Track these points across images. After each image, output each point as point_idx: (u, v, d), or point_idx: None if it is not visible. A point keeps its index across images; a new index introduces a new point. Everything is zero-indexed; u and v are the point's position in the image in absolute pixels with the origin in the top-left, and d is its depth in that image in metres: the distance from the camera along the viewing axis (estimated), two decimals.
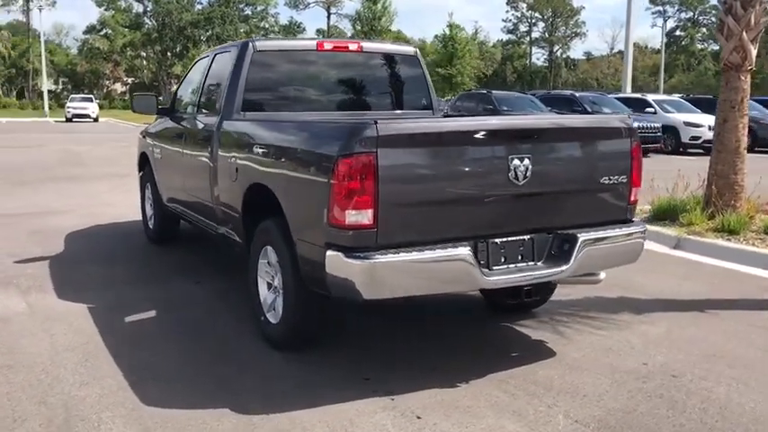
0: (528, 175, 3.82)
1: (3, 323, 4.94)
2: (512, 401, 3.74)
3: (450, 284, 3.77)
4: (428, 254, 3.59)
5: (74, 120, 44.51)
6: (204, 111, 5.72)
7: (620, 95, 22.76)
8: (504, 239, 3.90)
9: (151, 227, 7.48)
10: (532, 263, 3.99)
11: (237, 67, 5.21)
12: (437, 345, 4.60)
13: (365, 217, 3.50)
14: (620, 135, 4.21)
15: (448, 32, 31.00)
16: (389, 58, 5.88)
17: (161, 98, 6.73)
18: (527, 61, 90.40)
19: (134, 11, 74.91)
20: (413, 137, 3.61)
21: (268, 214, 4.31)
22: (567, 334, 4.79)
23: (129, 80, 79.50)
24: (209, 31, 71.56)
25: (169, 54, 71.15)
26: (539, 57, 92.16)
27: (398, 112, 5.80)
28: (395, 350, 4.54)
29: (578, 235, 3.99)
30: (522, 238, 3.96)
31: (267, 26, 77.29)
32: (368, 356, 4.40)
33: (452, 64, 30.18)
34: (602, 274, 4.57)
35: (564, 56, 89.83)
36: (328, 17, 78.03)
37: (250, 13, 76.71)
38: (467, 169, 3.76)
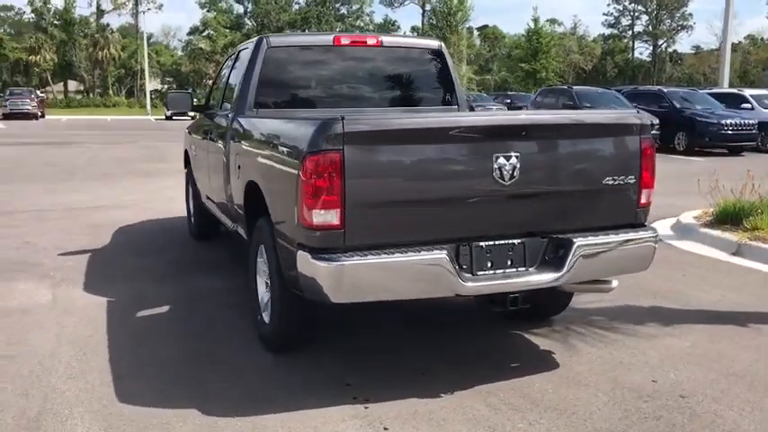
0: (516, 174, 3.57)
1: (21, 314, 5.09)
2: (491, 416, 3.51)
3: (424, 290, 3.56)
4: (399, 257, 3.41)
5: (173, 117, 46.25)
6: (225, 108, 5.72)
7: (715, 91, 21.50)
8: (491, 243, 3.67)
9: (193, 222, 7.59)
10: (523, 269, 3.73)
11: (252, 64, 5.17)
12: (435, 351, 4.40)
13: (333, 217, 3.36)
14: (628, 132, 3.87)
15: (533, 26, 30.19)
16: (411, 53, 5.68)
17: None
18: (629, 56, 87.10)
19: (235, 12, 77.28)
20: (383, 134, 3.43)
21: (264, 213, 4.25)
22: (578, 345, 4.48)
23: None
24: (306, 31, 72.82)
25: None
26: (642, 51, 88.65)
27: (418, 108, 5.60)
28: (388, 355, 4.36)
29: (574, 240, 3.70)
30: (511, 242, 3.71)
31: (362, 25, 78.00)
32: (358, 360, 4.26)
33: (537, 59, 29.34)
34: (615, 282, 4.24)
35: (669, 50, 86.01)
36: (423, 14, 77.84)
37: (345, 12, 77.65)
38: (445, 168, 3.55)
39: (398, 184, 3.46)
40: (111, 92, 74.46)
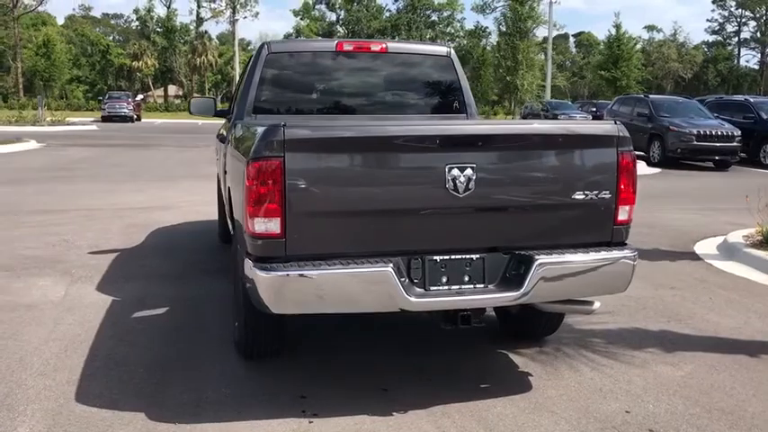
0: (471, 187, 3.40)
1: (26, 310, 5.27)
2: None
3: (367, 304, 3.42)
4: (339, 269, 3.30)
5: None
6: (235, 112, 5.75)
7: None
8: (446, 257, 3.50)
9: (219, 225, 7.70)
10: (481, 285, 3.55)
11: (252, 69, 5.18)
12: (407, 367, 4.25)
13: (274, 225, 3.29)
14: (602, 144, 3.62)
15: (614, 33, 29.13)
16: (418, 59, 5.55)
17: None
18: (734, 64, 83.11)
19: (327, 20, 78.57)
20: (325, 141, 3.33)
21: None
22: (561, 368, 4.24)
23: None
24: (396, 38, 73.27)
25: None
26: (748, 59, 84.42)
27: (424, 116, 5.45)
28: (358, 368, 4.24)
29: (536, 257, 3.48)
30: (469, 257, 3.53)
31: (453, 31, 77.80)
32: (325, 372, 4.16)
33: (617, 66, 28.29)
34: (596, 303, 3.99)
35: None
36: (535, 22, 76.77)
37: (436, 18, 77.60)
38: (393, 178, 3.42)
39: (343, 194, 3.36)
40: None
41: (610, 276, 3.67)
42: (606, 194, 3.62)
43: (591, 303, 3.96)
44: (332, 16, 78.45)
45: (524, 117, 34.87)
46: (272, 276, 3.27)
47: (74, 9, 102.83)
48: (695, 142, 16.86)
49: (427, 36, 74.51)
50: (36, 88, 46.53)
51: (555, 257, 3.52)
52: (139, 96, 59.67)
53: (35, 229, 8.35)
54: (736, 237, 7.59)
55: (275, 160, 3.24)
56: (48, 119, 30.82)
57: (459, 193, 3.39)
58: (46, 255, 7.04)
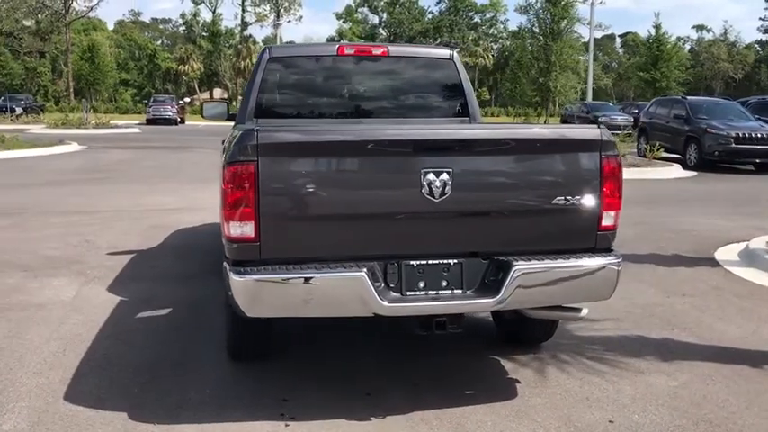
0: (447, 191, 3.37)
1: (36, 309, 5.40)
2: None
3: (340, 308, 3.42)
4: (311, 274, 3.31)
5: None
6: (237, 117, 5.81)
7: None
8: (424, 262, 3.48)
9: None
10: (459, 291, 3.51)
11: (254, 73, 5.23)
12: (395, 370, 4.24)
13: (249, 229, 3.32)
14: (584, 149, 3.56)
15: (654, 34, 28.50)
16: (420, 63, 5.52)
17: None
18: None
19: (369, 22, 78.91)
20: (299, 146, 3.34)
21: None
22: (552, 375, 4.17)
23: None
24: (438, 40, 73.17)
25: None
26: None
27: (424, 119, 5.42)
28: (345, 372, 4.24)
29: (514, 263, 3.44)
30: (447, 262, 3.51)
31: (496, 33, 77.37)
32: (311, 375, 4.17)
33: (657, 67, 27.68)
34: (585, 310, 3.92)
35: None
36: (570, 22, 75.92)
37: (479, 20, 77.25)
38: (368, 183, 3.42)
39: (317, 198, 3.36)
40: None
41: (592, 283, 3.59)
42: (588, 200, 3.55)
43: (579, 310, 3.90)
44: (374, 19, 78.91)
45: (564, 119, 34.56)
46: (244, 280, 3.30)
47: (123, 14, 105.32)
48: (733, 145, 16.41)
49: (470, 38, 74.28)
50: (93, 93, 47.79)
51: (534, 263, 3.47)
52: (186, 99, 60.70)
53: (61, 229, 8.57)
54: (759, 243, 7.37)
55: (249, 164, 3.27)
56: (92, 122, 31.57)
57: (434, 197, 3.37)
58: (66, 255, 7.21)
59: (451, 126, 3.90)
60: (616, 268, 3.61)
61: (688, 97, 19.54)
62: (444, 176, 3.36)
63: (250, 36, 79.31)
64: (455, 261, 3.51)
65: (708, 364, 4.36)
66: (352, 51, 5.35)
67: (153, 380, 4.08)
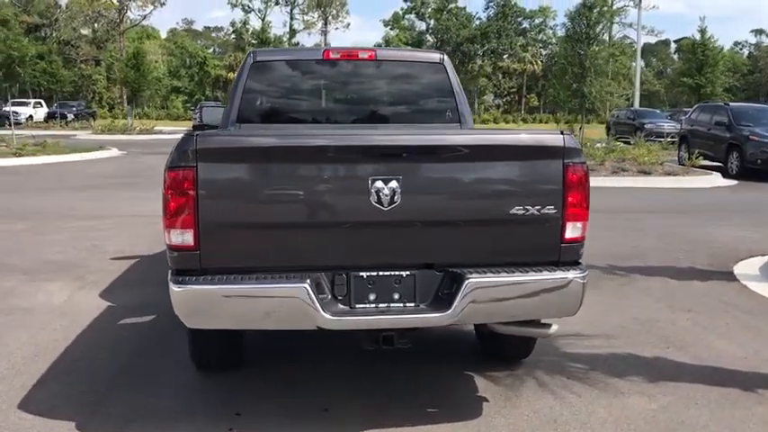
0: (396, 200, 3.21)
1: (23, 313, 5.42)
2: None
3: (281, 322, 3.27)
4: (250, 285, 3.18)
5: None
6: (221, 122, 5.72)
7: None
8: (374, 274, 3.32)
9: None
10: (412, 304, 3.34)
11: (238, 79, 5.13)
12: (360, 385, 4.08)
13: (188, 237, 3.21)
14: (545, 156, 3.35)
15: (698, 38, 27.59)
16: (409, 67, 5.35)
17: None
18: None
19: (417, 29, 78.79)
20: (239, 152, 3.22)
21: None
22: (525, 395, 3.95)
23: None
24: (485, 46, 72.65)
25: None
26: None
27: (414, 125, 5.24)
28: (308, 385, 4.09)
29: (467, 276, 3.24)
30: (399, 273, 3.34)
31: (545, 38, 76.40)
32: (273, 388, 4.04)
33: (702, 73, 26.81)
34: (554, 327, 3.70)
35: None
36: (610, 26, 74.64)
37: (527, 26, 76.42)
38: (312, 190, 3.27)
39: (260, 206, 3.24)
40: None
41: (555, 298, 3.37)
42: (551, 210, 3.34)
43: (548, 326, 3.68)
44: (421, 26, 78.73)
45: (608, 126, 33.80)
46: (182, 290, 3.19)
47: (177, 23, 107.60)
48: None
49: (518, 44, 73.48)
50: (139, 99, 48.87)
51: (489, 277, 3.27)
52: None
53: (72, 233, 8.65)
54: None
55: (188, 170, 3.16)
56: (137, 128, 32.19)
57: (383, 206, 3.21)
58: (69, 259, 7.26)
59: (401, 132, 3.72)
60: (581, 282, 3.38)
61: (731, 104, 18.85)
62: (393, 184, 3.20)
63: (298, 43, 79.97)
64: (407, 273, 3.34)
65: (695, 386, 4.08)
66: (337, 55, 5.21)
67: (112, 389, 4.01)
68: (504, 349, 4.33)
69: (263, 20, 76.83)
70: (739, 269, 6.97)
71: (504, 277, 3.29)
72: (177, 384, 4.09)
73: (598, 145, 18.71)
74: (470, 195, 3.36)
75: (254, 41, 77.81)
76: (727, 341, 4.89)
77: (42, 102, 50.68)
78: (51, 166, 18.37)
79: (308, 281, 3.18)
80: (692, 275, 6.75)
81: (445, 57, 5.31)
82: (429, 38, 77.61)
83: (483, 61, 73.80)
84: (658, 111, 36.46)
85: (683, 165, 17.60)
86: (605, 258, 7.39)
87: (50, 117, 43.38)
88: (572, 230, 3.39)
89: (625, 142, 20.36)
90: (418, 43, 77.69)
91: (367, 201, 3.21)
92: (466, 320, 3.35)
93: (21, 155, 19.35)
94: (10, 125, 23.20)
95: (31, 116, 44.45)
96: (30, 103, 47.63)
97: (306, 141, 3.33)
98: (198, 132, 3.19)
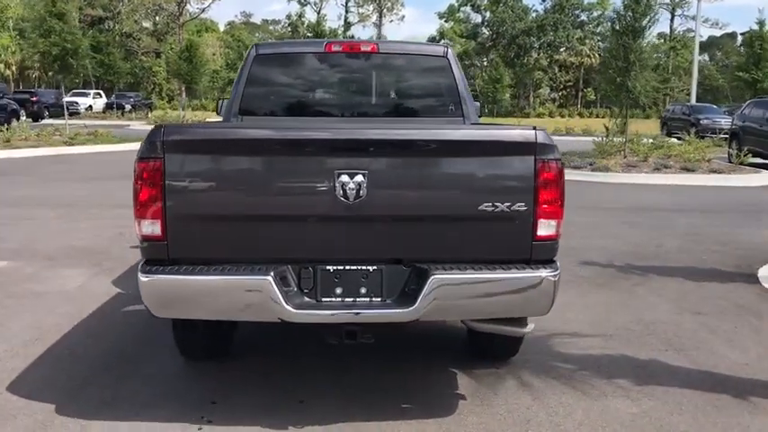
0: (362, 194, 3.19)
1: (34, 298, 5.59)
2: None
3: (245, 313, 3.29)
4: (214, 276, 3.21)
5: None
6: (223, 115, 5.76)
7: None
8: (341, 268, 3.31)
9: None
10: (378, 299, 3.32)
11: (241, 72, 5.18)
12: (341, 379, 4.08)
13: (156, 228, 3.26)
14: (515, 152, 3.27)
15: (756, 30, 26.43)
16: (412, 60, 5.30)
17: None
18: None
19: (472, 21, 78.14)
20: (206, 143, 3.24)
21: None
22: (504, 394, 3.89)
23: None
24: (542, 39, 71.54)
25: (498, 62, 72.35)
26: None
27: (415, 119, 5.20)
28: (287, 375, 4.11)
29: (431, 272, 3.21)
30: (366, 268, 3.32)
31: (603, 31, 74.75)
32: (253, 376, 4.07)
33: (759, 67, 25.69)
34: (531, 326, 3.64)
35: None
36: (672, 19, 72.67)
37: (585, 18, 74.95)
38: (278, 183, 3.27)
39: (227, 198, 3.26)
40: None
41: (525, 297, 3.30)
42: (521, 207, 3.26)
43: (524, 325, 3.62)
44: (477, 18, 77.99)
45: (663, 121, 32.95)
46: (148, 280, 3.23)
47: (236, 15, 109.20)
48: None
49: (575, 37, 72.14)
50: (196, 91, 49.81)
51: (454, 273, 3.22)
52: None
53: (101, 221, 8.89)
54: None
55: (156, 161, 3.20)
56: (189, 119, 32.77)
57: (349, 200, 3.19)
58: (91, 246, 7.46)
59: (369, 126, 3.68)
60: (552, 280, 3.31)
61: None
62: (359, 178, 3.18)
63: (353, 36, 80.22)
64: (374, 267, 3.32)
65: (684, 391, 3.95)
66: (339, 48, 5.20)
67: (98, 374, 4.10)
68: (492, 347, 4.27)
69: (318, 12, 77.30)
70: (764, 272, 6.71)
71: (470, 274, 3.24)
72: (164, 372, 4.16)
73: (645, 140, 18.23)
74: (438, 191, 3.32)
75: (309, 34, 78.39)
76: (731, 346, 4.72)
77: (102, 93, 52.08)
78: (98, 155, 18.89)
79: (272, 273, 3.19)
80: (711, 277, 6.52)
81: (449, 50, 5.25)
82: (484, 30, 76.86)
83: (539, 54, 72.73)
84: (715, 106, 35.31)
85: (731, 162, 17.02)
86: (625, 257, 7.22)
87: (108, 107, 44.60)
88: (544, 228, 3.31)
89: (678, 138, 19.78)
90: (473, 36, 77.03)
91: (332, 194, 3.20)
92: (431, 317, 3.30)
93: (72, 144, 19.96)
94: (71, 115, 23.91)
95: (90, 106, 45.83)
96: (89, 93, 49.07)
97: (270, 134, 3.33)
98: (165, 124, 3.22)
